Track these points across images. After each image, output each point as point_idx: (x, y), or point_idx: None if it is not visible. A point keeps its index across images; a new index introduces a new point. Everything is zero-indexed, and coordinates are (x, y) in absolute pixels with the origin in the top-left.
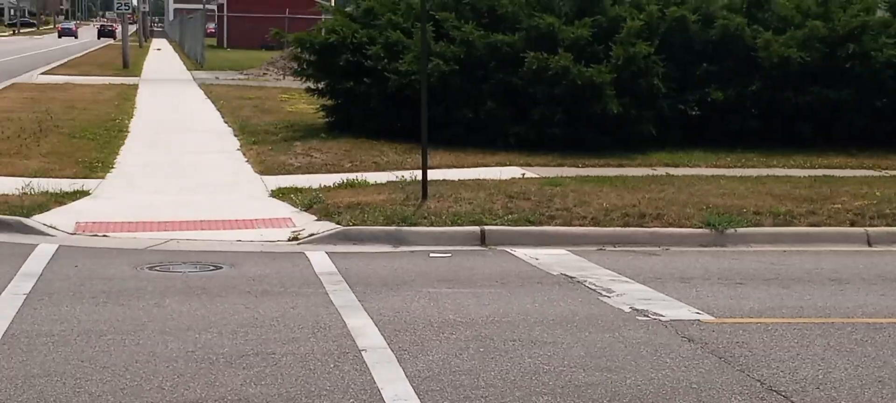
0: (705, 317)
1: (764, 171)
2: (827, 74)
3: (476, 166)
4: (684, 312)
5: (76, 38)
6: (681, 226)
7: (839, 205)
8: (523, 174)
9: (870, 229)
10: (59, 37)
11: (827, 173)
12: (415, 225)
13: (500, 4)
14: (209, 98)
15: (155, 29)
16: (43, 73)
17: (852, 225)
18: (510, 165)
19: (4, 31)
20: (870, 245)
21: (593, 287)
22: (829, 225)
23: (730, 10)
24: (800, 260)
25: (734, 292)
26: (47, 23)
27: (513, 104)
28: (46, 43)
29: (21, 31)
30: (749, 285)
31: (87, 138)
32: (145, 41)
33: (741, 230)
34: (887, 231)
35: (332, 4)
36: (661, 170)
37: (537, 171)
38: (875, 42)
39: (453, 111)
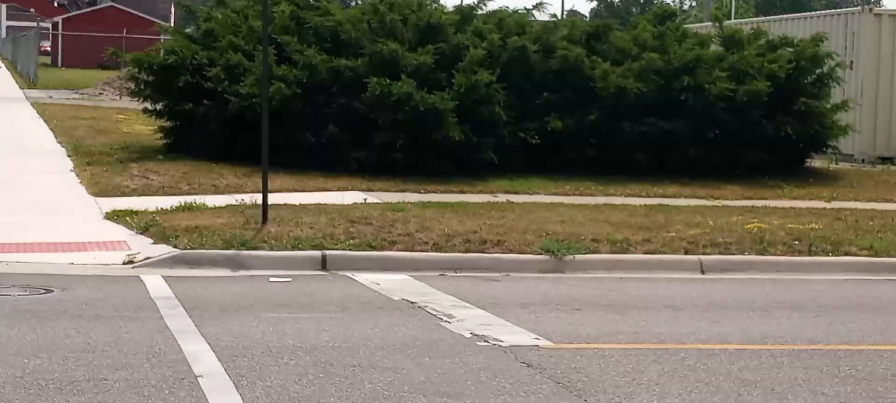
0: (544, 343)
1: (602, 200)
2: (662, 106)
3: (318, 190)
4: (523, 337)
5: None
6: (521, 253)
7: (674, 234)
8: (365, 199)
9: (703, 257)
10: None
11: (662, 202)
12: (254, 249)
13: (344, 30)
14: (42, 117)
15: None
16: None
17: (686, 253)
18: (352, 190)
19: None
20: (703, 272)
21: (434, 312)
22: (665, 252)
23: (570, 41)
24: (636, 286)
25: (572, 318)
26: None
27: (355, 129)
28: None
29: None
30: (587, 311)
31: None
32: None
33: (579, 257)
34: (720, 259)
35: (172, 26)
36: (502, 197)
37: (379, 196)
38: (709, 75)
39: (295, 135)
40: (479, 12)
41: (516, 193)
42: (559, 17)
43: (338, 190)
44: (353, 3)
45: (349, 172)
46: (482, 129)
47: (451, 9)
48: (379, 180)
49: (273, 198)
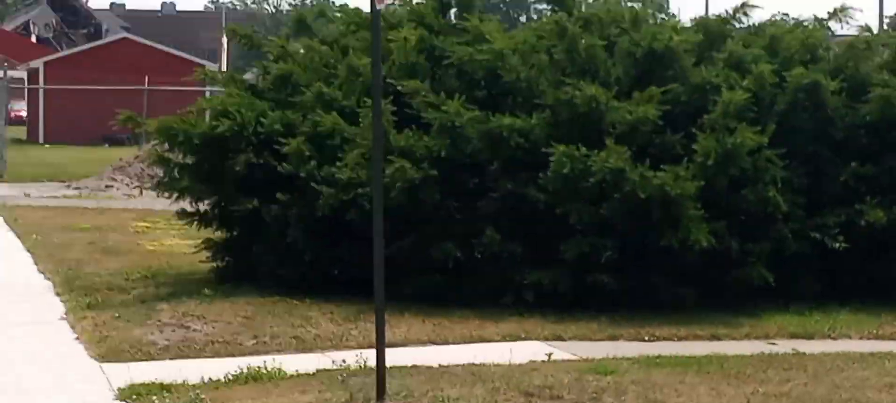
0: None
1: None
2: None
3: (469, 341)
4: None
5: None
6: None
7: None
8: (550, 354)
9: None
10: None
11: None
12: None
13: (507, 66)
14: (14, 229)
15: None
16: None
17: None
18: (527, 338)
19: None
20: None
21: None
22: None
23: (893, 72)
24: None
25: None
26: None
27: (530, 234)
28: None
29: None
30: None
31: None
32: None
33: None
34: None
35: (223, 70)
36: (783, 345)
37: (573, 349)
38: None
39: (429, 246)
40: (737, 26)
41: (810, 337)
42: (873, 32)
43: (503, 339)
44: (522, 21)
45: (521, 307)
46: (746, 228)
47: (688, 23)
48: (571, 320)
49: (396, 357)
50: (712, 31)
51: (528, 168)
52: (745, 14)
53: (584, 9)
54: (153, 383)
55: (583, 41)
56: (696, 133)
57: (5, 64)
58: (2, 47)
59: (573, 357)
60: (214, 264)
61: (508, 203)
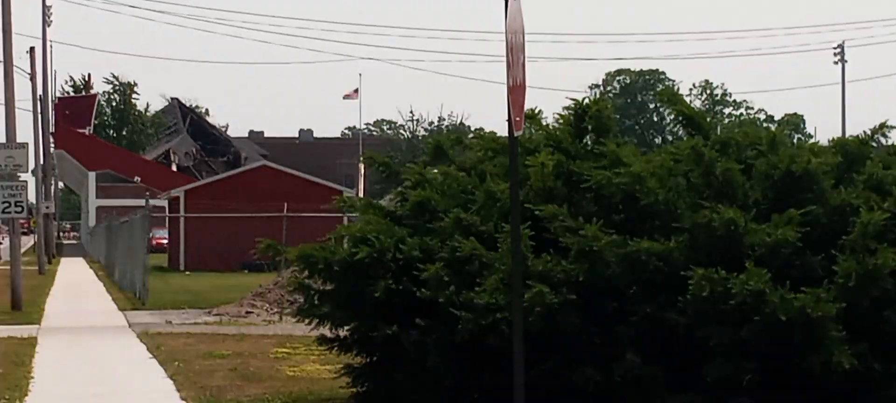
0: None
1: None
2: None
3: None
4: None
5: None
6: None
7: None
8: None
9: None
10: None
11: None
12: None
13: (645, 189)
14: (155, 357)
15: (66, 240)
16: None
17: None
18: None
19: None
20: None
21: None
22: None
23: None
24: None
25: None
26: None
27: (669, 356)
28: None
29: None
30: None
31: None
32: (51, 262)
33: None
34: None
35: (361, 197)
36: None
37: None
38: None
39: (569, 370)
40: (875, 147)
41: None
42: None
43: None
44: (657, 142)
45: None
46: (890, 349)
47: (826, 144)
48: None
49: None
50: (851, 153)
51: (667, 291)
52: (884, 135)
53: (719, 131)
54: None
55: (719, 165)
56: (835, 254)
57: (147, 193)
58: (143, 176)
59: None
60: (355, 390)
61: (647, 326)
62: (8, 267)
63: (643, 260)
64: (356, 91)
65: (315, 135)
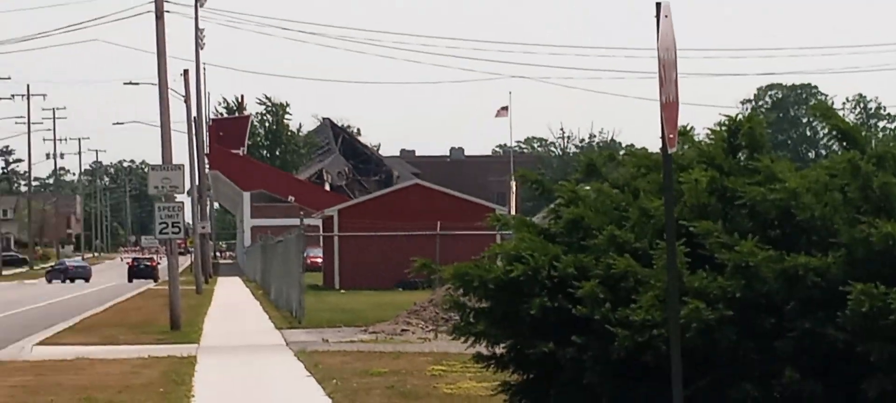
0: None
1: None
2: None
3: None
4: None
5: (88, 280)
6: None
7: None
8: None
9: None
10: (49, 281)
11: None
12: None
13: (801, 204)
14: (313, 375)
15: (222, 260)
16: (40, 344)
17: None
18: None
19: None
20: None
21: None
22: None
23: None
24: None
25: None
26: (46, 258)
27: (828, 372)
28: (45, 291)
29: (3, 273)
30: None
31: None
32: (207, 281)
33: None
34: None
35: (514, 215)
36: None
37: None
38: None
39: (727, 386)
40: None
41: None
42: None
43: None
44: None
45: None
46: None
47: None
48: None
49: None
50: None
51: (826, 306)
52: None
53: (874, 145)
54: None
55: (877, 178)
56: None
57: (301, 212)
58: (297, 195)
59: None
60: None
61: (806, 342)
62: (166, 287)
63: (801, 275)
64: (506, 108)
65: (466, 153)
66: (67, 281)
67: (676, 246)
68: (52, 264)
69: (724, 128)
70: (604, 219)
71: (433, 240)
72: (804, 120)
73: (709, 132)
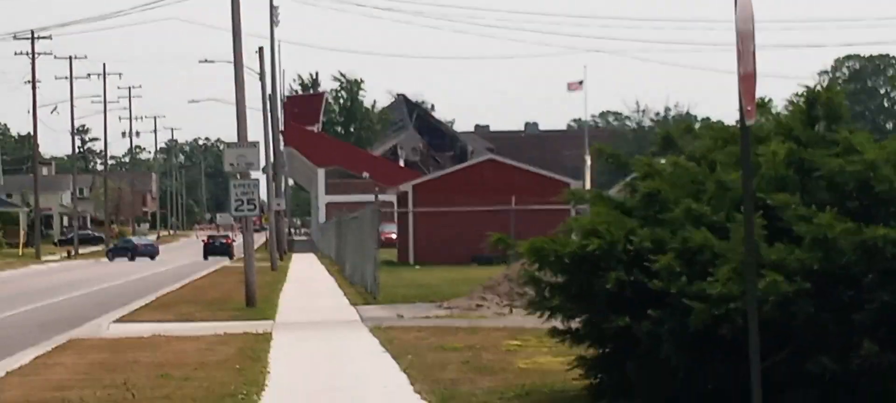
0: None
1: None
2: None
3: None
4: None
5: (153, 258)
6: None
7: None
8: None
9: None
10: (111, 259)
11: None
12: None
13: (879, 176)
14: (388, 351)
15: (296, 237)
16: (117, 321)
17: None
18: None
19: (52, 254)
20: None
21: None
22: None
23: None
24: None
25: None
26: (122, 235)
27: None
28: (121, 269)
29: (79, 251)
30: None
31: None
32: (282, 258)
33: None
34: None
35: (589, 189)
36: None
37: None
38: None
39: (804, 359)
40: None
41: None
42: None
43: None
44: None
45: None
46: None
47: None
48: None
49: None
50: None
51: None
52: None
53: None
54: None
55: None
56: None
57: (376, 188)
58: (371, 171)
59: None
60: (588, 381)
61: (885, 314)
62: (242, 265)
63: (879, 247)
64: (580, 82)
65: (541, 127)
66: (135, 258)
67: (755, 218)
68: (115, 242)
69: (802, 99)
70: (680, 192)
71: (508, 215)
72: (882, 91)
73: (787, 103)
